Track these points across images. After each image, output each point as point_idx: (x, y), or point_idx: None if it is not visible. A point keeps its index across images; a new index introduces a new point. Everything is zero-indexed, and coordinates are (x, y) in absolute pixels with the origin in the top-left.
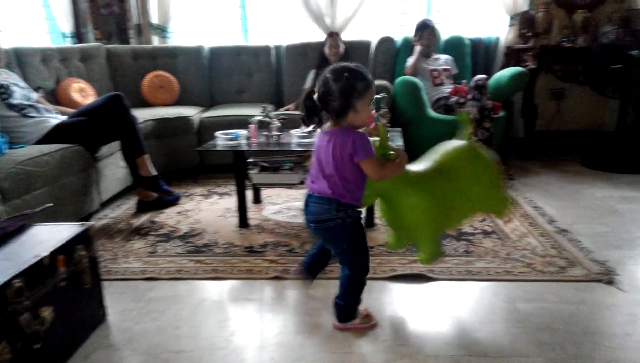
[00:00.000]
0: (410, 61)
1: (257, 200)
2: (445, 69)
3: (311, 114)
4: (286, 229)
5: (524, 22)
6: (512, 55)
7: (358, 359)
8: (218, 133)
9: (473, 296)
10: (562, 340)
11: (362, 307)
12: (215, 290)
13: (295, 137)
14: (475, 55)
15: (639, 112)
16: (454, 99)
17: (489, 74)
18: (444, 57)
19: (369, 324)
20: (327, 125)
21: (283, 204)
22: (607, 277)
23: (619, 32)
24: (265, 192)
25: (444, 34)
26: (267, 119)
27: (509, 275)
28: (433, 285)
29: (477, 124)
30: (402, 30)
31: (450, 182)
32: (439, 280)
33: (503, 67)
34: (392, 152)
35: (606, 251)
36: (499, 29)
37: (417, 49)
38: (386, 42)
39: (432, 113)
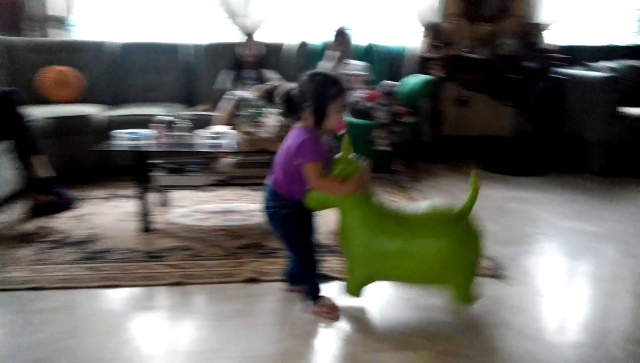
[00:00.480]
0: (326, 65)
1: (164, 203)
2: (358, 75)
3: (289, 110)
4: (192, 233)
5: (435, 32)
6: (422, 64)
7: (269, 361)
8: (117, 132)
9: (370, 292)
10: (451, 332)
11: (327, 299)
12: (109, 298)
13: (204, 138)
14: (390, 63)
15: (534, 120)
16: (368, 103)
17: (402, 80)
18: (358, 63)
19: (331, 314)
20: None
21: (192, 207)
22: (496, 272)
23: (516, 44)
24: (174, 195)
25: (361, 41)
26: (172, 119)
27: None
28: (337, 284)
29: (386, 128)
30: (317, 35)
31: (402, 230)
32: (340, 279)
33: (413, 75)
34: (349, 168)
35: (497, 248)
36: (413, 38)
37: (335, 54)
38: (303, 46)
39: (348, 117)
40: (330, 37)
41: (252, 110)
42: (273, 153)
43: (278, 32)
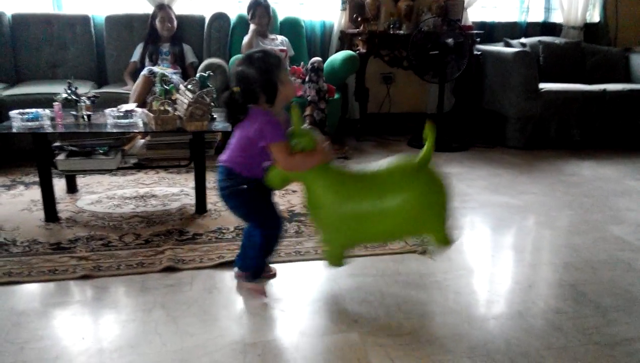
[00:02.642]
0: (245, 40)
1: (71, 189)
2: (281, 50)
3: (235, 112)
4: (104, 221)
5: (355, 7)
6: (345, 40)
7: (188, 354)
8: (13, 113)
9: (300, 277)
10: (376, 311)
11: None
12: (8, 296)
13: (111, 117)
14: (312, 38)
15: (456, 96)
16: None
17: (325, 57)
18: (280, 38)
19: (259, 291)
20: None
21: (103, 193)
22: (420, 248)
23: (437, 21)
24: (83, 181)
25: (280, 15)
26: (74, 97)
27: None
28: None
29: (314, 105)
30: (238, 7)
31: (369, 190)
32: (269, 263)
33: (337, 51)
34: (304, 140)
35: None
36: (332, 12)
37: (252, 27)
38: (220, 18)
39: None
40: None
41: (165, 86)
42: (189, 132)
43: (195, 3)
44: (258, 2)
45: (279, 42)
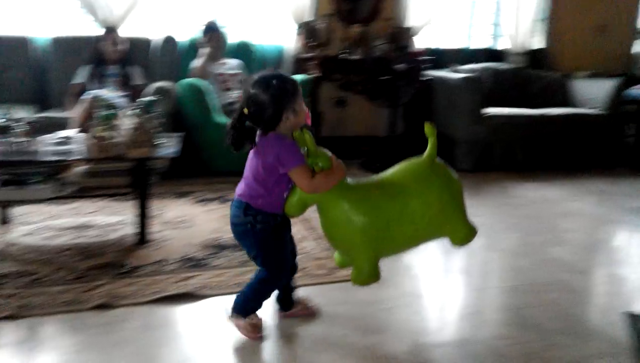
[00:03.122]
0: (196, 64)
1: (4, 220)
2: (234, 74)
3: (244, 138)
4: (35, 254)
5: (308, 32)
6: (299, 64)
7: None
8: None
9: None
10: (322, 343)
11: (257, 315)
12: None
13: (48, 144)
14: (266, 62)
15: (406, 120)
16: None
17: None
18: (233, 62)
19: (252, 334)
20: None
21: (39, 224)
22: None
23: (388, 47)
24: (20, 210)
25: (233, 38)
26: (8, 123)
27: None
28: (206, 303)
29: None
30: (187, 31)
31: (390, 198)
32: (212, 296)
33: (291, 75)
34: (322, 160)
35: None
36: (287, 37)
37: (205, 51)
38: (169, 41)
39: (221, 118)
40: (200, 33)
41: (108, 111)
42: (130, 160)
43: (144, 26)
44: (213, 27)
45: (231, 66)
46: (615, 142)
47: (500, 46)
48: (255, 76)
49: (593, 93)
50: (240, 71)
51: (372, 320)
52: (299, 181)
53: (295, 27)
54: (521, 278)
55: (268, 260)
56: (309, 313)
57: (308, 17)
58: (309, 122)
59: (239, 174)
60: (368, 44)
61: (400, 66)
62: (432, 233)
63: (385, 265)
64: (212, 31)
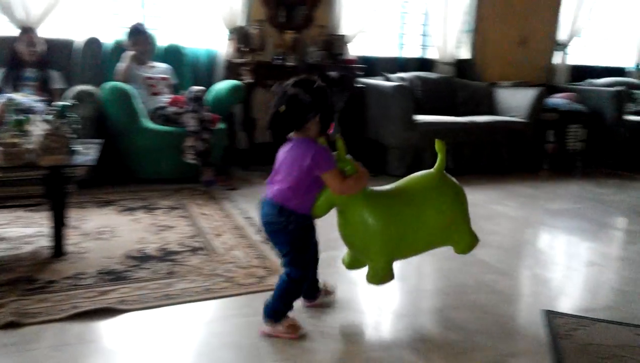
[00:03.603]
0: (121, 67)
1: None
2: (163, 78)
3: (283, 134)
4: None
5: (241, 37)
6: (232, 69)
7: None
8: None
9: (169, 323)
10: (246, 354)
11: (290, 316)
12: None
13: None
14: (197, 66)
15: (340, 127)
16: (172, 109)
17: (211, 85)
18: (161, 66)
19: (292, 335)
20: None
21: None
22: None
23: (322, 54)
24: None
25: (162, 42)
26: None
27: (209, 293)
28: (125, 318)
29: (197, 136)
30: (112, 32)
31: (406, 206)
32: (133, 311)
33: (223, 80)
34: (349, 166)
35: None
36: (219, 41)
37: (129, 54)
38: (93, 43)
39: (148, 123)
40: (125, 35)
41: (19, 116)
42: (42, 168)
43: (66, 27)
44: (139, 30)
45: (160, 70)
46: (537, 148)
47: (429, 56)
48: (294, 78)
49: (516, 102)
50: (169, 75)
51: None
52: (331, 183)
53: (227, 31)
54: (446, 280)
55: (297, 259)
56: (293, 337)
57: (240, 22)
58: (331, 131)
59: (168, 181)
60: (302, 51)
61: (334, 73)
62: (442, 240)
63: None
64: (137, 34)
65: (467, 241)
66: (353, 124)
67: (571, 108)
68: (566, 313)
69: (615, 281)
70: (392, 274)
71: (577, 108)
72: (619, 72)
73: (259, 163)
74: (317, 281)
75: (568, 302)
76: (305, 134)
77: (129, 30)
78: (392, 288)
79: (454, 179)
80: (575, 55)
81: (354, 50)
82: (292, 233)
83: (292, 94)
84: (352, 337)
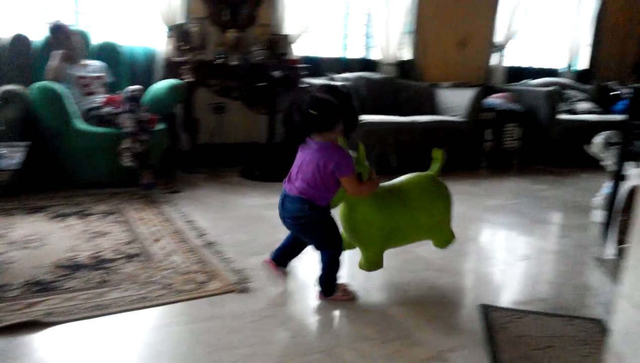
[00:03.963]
0: (51, 66)
1: None
2: (97, 77)
3: (307, 135)
4: None
5: (180, 35)
6: (172, 68)
7: None
8: None
9: (100, 335)
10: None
11: (340, 283)
12: None
13: None
14: (134, 65)
15: (285, 127)
16: (107, 109)
17: (150, 85)
18: (95, 64)
19: (348, 297)
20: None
21: None
22: (240, 287)
23: (265, 53)
24: None
25: (97, 40)
26: None
27: (144, 301)
28: (53, 332)
29: (134, 137)
30: (43, 30)
31: (404, 205)
32: (61, 323)
33: (163, 79)
34: (366, 171)
35: (247, 259)
36: (158, 39)
37: (59, 52)
38: (20, 40)
39: (81, 124)
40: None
41: None
42: None
43: None
44: (58, 26)
45: (93, 68)
46: (476, 146)
47: (373, 56)
48: (320, 84)
49: (456, 102)
50: (103, 74)
51: (238, 335)
52: (348, 186)
53: (166, 29)
54: (388, 278)
55: (331, 240)
56: (350, 298)
57: (179, 19)
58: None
59: (103, 185)
60: (245, 50)
61: (277, 73)
62: (426, 235)
63: (261, 274)
64: (56, 31)
65: (446, 237)
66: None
67: (507, 108)
68: (501, 307)
69: (548, 274)
70: (382, 263)
71: (512, 108)
72: (552, 73)
73: (202, 164)
74: (288, 261)
75: (504, 296)
76: (328, 136)
77: (50, 27)
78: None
79: (445, 184)
80: (512, 57)
81: (299, 50)
82: (322, 222)
83: (322, 98)
84: (289, 339)
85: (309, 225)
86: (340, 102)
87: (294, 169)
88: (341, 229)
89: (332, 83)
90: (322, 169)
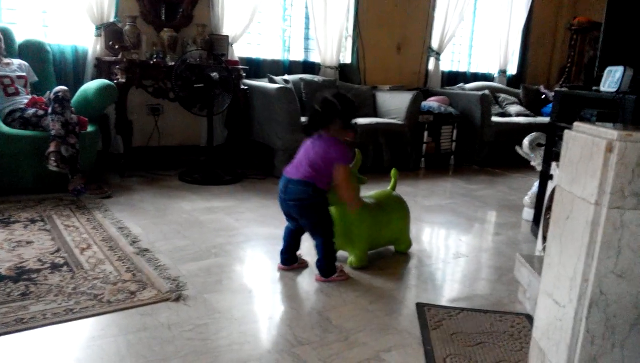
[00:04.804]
0: None
1: None
2: (19, 76)
3: (314, 129)
4: None
5: (111, 34)
6: (103, 68)
7: None
8: None
9: (22, 351)
10: None
11: (338, 264)
12: None
13: None
14: (61, 64)
15: (226, 129)
16: (31, 111)
17: (79, 85)
18: (17, 63)
19: (345, 277)
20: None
21: None
22: (174, 294)
23: (202, 54)
24: None
25: (20, 37)
26: None
27: (71, 313)
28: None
29: (61, 140)
30: None
31: (384, 213)
32: None
33: (93, 79)
34: (361, 177)
35: (182, 265)
36: (85, 38)
37: None
38: None
39: (3, 127)
40: None
41: None
42: None
43: None
44: None
45: (16, 67)
46: (415, 148)
47: (313, 59)
48: (334, 90)
49: (395, 104)
50: (25, 73)
51: (172, 345)
52: (340, 174)
53: (93, 27)
54: (323, 282)
55: (325, 224)
56: (346, 278)
57: (108, 17)
58: (350, 137)
59: (29, 191)
60: (181, 50)
61: (215, 74)
62: (395, 239)
63: (201, 280)
64: None
65: (407, 243)
66: (238, 126)
67: (444, 110)
68: (436, 305)
69: (482, 271)
70: (366, 260)
71: (448, 110)
72: (486, 77)
73: (138, 168)
74: (295, 254)
75: (440, 294)
76: (331, 133)
77: None
78: (269, 293)
79: (402, 197)
80: (448, 61)
81: (239, 51)
82: (321, 206)
83: (327, 99)
84: (225, 347)
85: (309, 207)
86: (342, 105)
87: (300, 156)
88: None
89: (343, 91)
90: (327, 156)
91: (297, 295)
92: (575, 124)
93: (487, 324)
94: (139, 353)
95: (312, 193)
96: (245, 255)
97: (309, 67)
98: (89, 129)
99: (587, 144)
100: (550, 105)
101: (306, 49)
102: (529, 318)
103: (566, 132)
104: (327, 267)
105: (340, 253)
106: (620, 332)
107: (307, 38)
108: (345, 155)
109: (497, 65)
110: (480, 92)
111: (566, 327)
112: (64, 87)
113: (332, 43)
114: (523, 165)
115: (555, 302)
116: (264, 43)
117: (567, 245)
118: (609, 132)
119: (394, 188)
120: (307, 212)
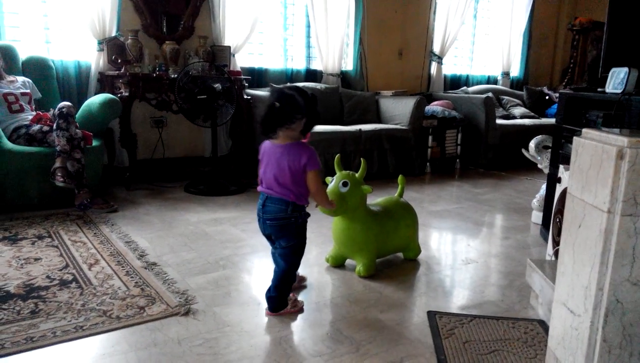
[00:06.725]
0: None
1: None
2: (23, 93)
3: (271, 128)
4: None
5: (114, 48)
6: (106, 82)
7: None
8: None
9: None
10: None
11: (290, 295)
12: None
13: None
14: (65, 80)
15: (230, 140)
16: (37, 127)
17: (83, 100)
18: (21, 80)
19: (297, 308)
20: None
21: None
22: (184, 309)
23: (204, 65)
24: None
25: (24, 54)
26: None
27: (81, 331)
28: None
29: (67, 156)
30: None
31: (392, 221)
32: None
33: (97, 94)
34: (366, 187)
35: (190, 278)
36: (88, 53)
37: None
38: None
39: (9, 144)
40: None
41: None
42: None
43: None
44: None
45: (19, 84)
46: (419, 153)
47: (315, 67)
48: (292, 85)
49: (398, 110)
50: (29, 90)
51: (183, 360)
52: (313, 181)
53: (96, 42)
54: (336, 291)
55: (299, 247)
56: (299, 310)
57: (111, 32)
58: (306, 140)
59: (35, 207)
60: (184, 62)
61: (218, 85)
62: (403, 246)
63: (210, 293)
64: None
65: (416, 250)
66: (242, 136)
67: (448, 115)
68: (447, 312)
69: (493, 277)
70: (374, 269)
71: (452, 114)
72: (490, 80)
73: (143, 181)
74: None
75: (451, 301)
76: (290, 134)
77: None
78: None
79: (410, 204)
80: (451, 65)
81: (241, 61)
82: (300, 226)
83: (287, 93)
84: (235, 362)
85: (286, 227)
86: (305, 102)
87: (271, 169)
88: (329, 252)
89: (305, 87)
90: (295, 164)
91: (306, 307)
92: (584, 130)
93: (500, 331)
94: None
95: (291, 213)
96: (253, 266)
97: (311, 75)
98: (94, 143)
99: (597, 152)
100: (555, 106)
101: (308, 57)
102: (542, 325)
103: (575, 139)
104: (278, 300)
105: (348, 262)
106: (638, 340)
107: (308, 46)
108: (316, 160)
109: (500, 67)
110: (483, 95)
111: (582, 336)
112: (68, 103)
113: (333, 50)
114: (529, 167)
115: (571, 311)
116: (266, 53)
117: (580, 253)
118: (619, 139)
119: (401, 195)
120: (284, 232)
